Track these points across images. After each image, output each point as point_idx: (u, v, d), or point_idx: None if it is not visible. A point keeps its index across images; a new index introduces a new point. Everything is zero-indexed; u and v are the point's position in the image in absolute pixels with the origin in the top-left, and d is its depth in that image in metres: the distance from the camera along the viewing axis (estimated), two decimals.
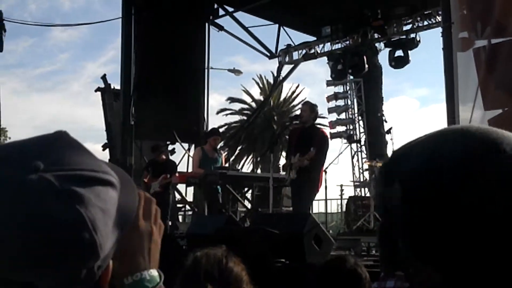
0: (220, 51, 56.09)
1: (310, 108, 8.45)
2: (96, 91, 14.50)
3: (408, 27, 13.31)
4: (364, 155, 18.64)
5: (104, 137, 13.96)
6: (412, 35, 13.28)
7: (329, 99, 18.80)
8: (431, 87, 63.55)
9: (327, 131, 13.81)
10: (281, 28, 14.75)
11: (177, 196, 13.75)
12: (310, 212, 7.78)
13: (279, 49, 14.98)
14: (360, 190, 17.02)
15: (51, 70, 65.79)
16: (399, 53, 13.47)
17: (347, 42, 14.09)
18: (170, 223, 10.95)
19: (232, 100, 33.93)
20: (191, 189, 13.30)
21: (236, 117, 33.06)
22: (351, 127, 18.72)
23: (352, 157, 18.89)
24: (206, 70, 13.52)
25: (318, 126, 9.24)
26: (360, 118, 18.79)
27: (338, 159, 10.47)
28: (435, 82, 62.11)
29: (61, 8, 61.51)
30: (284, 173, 8.65)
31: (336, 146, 17.87)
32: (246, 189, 9.98)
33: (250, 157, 30.75)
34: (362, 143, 18.78)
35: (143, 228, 0.98)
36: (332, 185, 24.03)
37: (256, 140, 29.67)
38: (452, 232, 0.74)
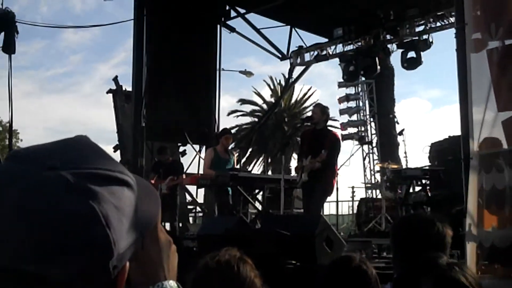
0: (232, 52, 56.10)
1: (321, 110, 8.43)
2: (107, 92, 14.58)
3: (421, 28, 13.25)
4: (375, 157, 18.60)
5: (115, 139, 14.04)
6: (425, 37, 13.22)
7: (340, 100, 18.78)
8: (443, 88, 63.11)
9: (339, 133, 13.77)
10: (293, 30, 14.74)
11: (188, 198, 13.79)
12: (321, 214, 7.75)
13: (290, 51, 14.97)
14: (372, 192, 16.95)
15: (63, 72, 66.13)
16: (411, 54, 13.41)
17: (359, 44, 14.04)
18: (178, 224, 10.95)
19: (243, 101, 33.95)
20: (201, 191, 13.35)
21: (247, 119, 33.09)
22: (363, 129, 18.69)
23: (364, 159, 18.85)
24: (217, 72, 13.54)
25: (330, 128, 9.22)
26: (371, 119, 18.76)
27: (349, 161, 10.42)
28: (448, 83, 61.60)
29: (73, 10, 61.76)
30: (295, 174, 8.62)
31: (347, 148, 17.91)
32: (257, 190, 9.96)
33: (261, 158, 30.74)
34: (374, 144, 18.74)
35: (163, 239, 1.01)
36: (344, 187, 23.90)
37: (267, 142, 29.64)
38: None
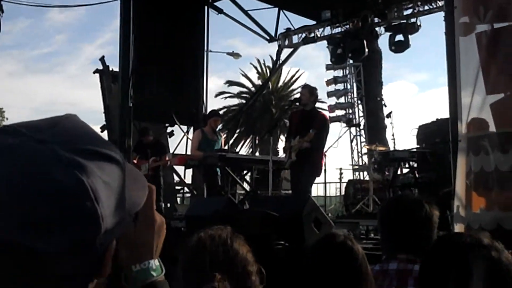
0: (219, 34, 55.75)
1: (309, 91, 8.40)
2: (94, 73, 14.42)
3: (409, 11, 13.26)
4: (363, 139, 18.69)
5: (102, 119, 13.93)
6: (413, 20, 13.23)
7: (328, 83, 18.80)
8: (430, 72, 63.35)
9: (328, 114, 13.79)
10: (281, 12, 14.67)
11: (176, 178, 13.77)
12: (309, 195, 7.77)
13: (278, 33, 14.93)
14: (359, 174, 17.06)
15: (48, 52, 65.53)
16: (399, 37, 13.44)
17: (347, 26, 14.03)
18: (166, 205, 10.94)
19: (230, 83, 33.85)
20: (189, 171, 13.35)
21: (235, 100, 33.00)
22: (350, 111, 18.74)
23: (351, 141, 18.94)
24: (205, 53, 13.47)
25: (319, 109, 9.22)
26: (359, 102, 18.82)
27: (337, 142, 10.49)
28: (434, 67, 61.79)
29: None
30: (284, 155, 8.63)
31: (335, 130, 17.97)
32: (245, 171, 9.97)
33: (248, 140, 30.73)
34: (361, 127, 18.81)
35: (153, 219, 1.01)
36: (331, 168, 24.01)
37: (255, 123, 29.64)
38: None
